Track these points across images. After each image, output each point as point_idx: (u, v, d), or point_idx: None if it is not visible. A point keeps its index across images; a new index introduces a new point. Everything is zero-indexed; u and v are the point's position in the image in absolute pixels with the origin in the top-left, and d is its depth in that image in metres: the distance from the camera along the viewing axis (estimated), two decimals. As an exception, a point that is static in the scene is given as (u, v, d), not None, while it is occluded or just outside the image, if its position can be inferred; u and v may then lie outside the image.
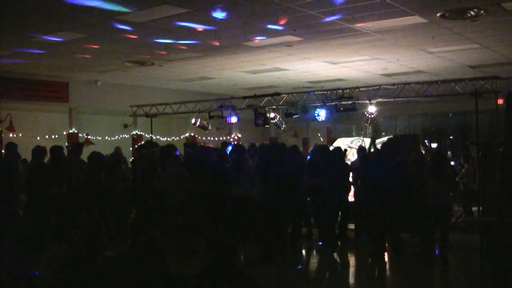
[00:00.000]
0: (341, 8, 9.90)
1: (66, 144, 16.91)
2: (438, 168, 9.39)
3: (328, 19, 10.57)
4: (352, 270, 9.88)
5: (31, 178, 10.63)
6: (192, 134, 20.87)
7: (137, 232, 10.06)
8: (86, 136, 17.67)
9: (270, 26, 11.13)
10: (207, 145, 16.92)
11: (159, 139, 18.52)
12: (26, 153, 12.19)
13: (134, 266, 4.35)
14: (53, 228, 10.17)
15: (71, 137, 17.32)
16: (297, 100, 15.31)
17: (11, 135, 15.88)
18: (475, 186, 12.57)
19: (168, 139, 19.08)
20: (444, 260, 9.26)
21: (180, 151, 12.88)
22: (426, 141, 17.05)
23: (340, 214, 11.33)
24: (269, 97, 15.73)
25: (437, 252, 9.51)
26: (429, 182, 9.48)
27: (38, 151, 11.31)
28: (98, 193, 10.80)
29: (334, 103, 14.41)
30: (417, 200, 9.86)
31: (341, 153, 11.17)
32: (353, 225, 11.99)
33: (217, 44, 12.62)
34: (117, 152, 13.42)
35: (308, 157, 11.95)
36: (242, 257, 4.44)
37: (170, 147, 11.33)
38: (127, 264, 4.55)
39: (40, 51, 13.21)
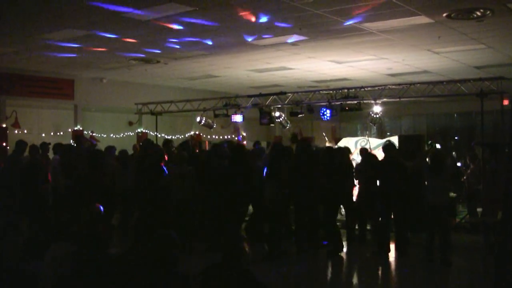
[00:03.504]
0: (348, 8, 9.89)
1: (71, 141, 16.97)
2: (436, 168, 9.41)
3: (334, 18, 10.55)
4: (355, 269, 9.88)
5: (26, 175, 10.72)
6: (197, 133, 20.89)
7: (141, 230, 10.05)
8: (91, 134, 17.69)
9: (276, 25, 11.13)
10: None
11: (163, 137, 18.55)
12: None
13: (143, 264, 4.35)
14: (53, 225, 10.21)
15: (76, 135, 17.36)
16: (302, 99, 15.32)
17: (16, 131, 15.93)
18: (480, 186, 12.57)
19: (173, 137, 19.09)
20: (445, 261, 9.25)
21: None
22: (430, 141, 17.01)
23: (345, 214, 11.40)
24: (275, 96, 15.75)
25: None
26: (427, 182, 9.51)
27: (33, 148, 11.46)
28: (101, 190, 10.84)
29: (339, 103, 14.42)
30: (420, 200, 9.88)
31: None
32: (357, 224, 11.99)
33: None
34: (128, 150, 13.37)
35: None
36: (247, 256, 4.42)
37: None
38: (134, 262, 4.55)
39: (45, 48, 13.22)
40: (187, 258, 9.51)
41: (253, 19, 10.68)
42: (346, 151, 11.88)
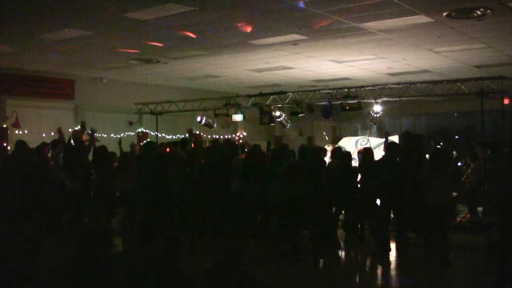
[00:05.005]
0: (347, 7, 9.89)
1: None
2: (437, 166, 9.38)
3: (334, 18, 10.55)
4: (355, 269, 9.88)
5: (31, 176, 10.72)
6: (198, 132, 20.84)
7: (146, 231, 10.04)
8: (89, 131, 17.62)
9: (276, 25, 11.13)
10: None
11: (164, 137, 18.53)
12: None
13: (147, 265, 4.36)
14: (55, 225, 10.22)
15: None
16: (303, 99, 15.33)
17: (16, 131, 15.91)
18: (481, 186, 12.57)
19: (173, 137, 19.08)
20: (444, 260, 9.22)
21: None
22: (431, 141, 17.01)
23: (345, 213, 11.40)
24: (275, 96, 15.76)
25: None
26: (429, 180, 9.49)
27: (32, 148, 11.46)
28: (103, 191, 10.85)
29: (339, 102, 14.43)
30: (420, 199, 9.87)
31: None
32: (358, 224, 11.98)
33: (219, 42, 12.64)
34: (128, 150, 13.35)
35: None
36: (247, 257, 4.44)
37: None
38: (138, 262, 4.56)
39: (46, 49, 13.22)
40: (190, 257, 9.52)
41: (252, 19, 10.68)
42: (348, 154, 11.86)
